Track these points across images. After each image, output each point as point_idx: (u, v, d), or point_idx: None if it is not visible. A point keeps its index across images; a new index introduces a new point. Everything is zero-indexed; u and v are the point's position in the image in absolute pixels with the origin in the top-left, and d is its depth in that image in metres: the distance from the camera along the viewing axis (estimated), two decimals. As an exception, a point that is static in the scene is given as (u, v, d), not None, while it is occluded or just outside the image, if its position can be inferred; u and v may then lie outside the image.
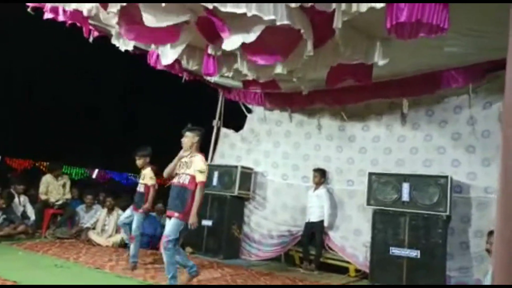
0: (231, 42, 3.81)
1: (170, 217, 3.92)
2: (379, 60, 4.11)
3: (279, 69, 4.46)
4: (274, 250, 6.39)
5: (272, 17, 3.32)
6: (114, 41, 4.87)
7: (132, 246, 4.89)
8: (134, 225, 4.91)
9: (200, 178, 3.90)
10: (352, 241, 5.84)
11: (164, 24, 3.91)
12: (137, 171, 5.50)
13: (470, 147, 5.18)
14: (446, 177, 4.90)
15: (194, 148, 4.13)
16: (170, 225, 3.84)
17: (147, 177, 5.06)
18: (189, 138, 4.12)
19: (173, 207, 3.92)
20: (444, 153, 5.39)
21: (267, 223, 6.62)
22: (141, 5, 3.70)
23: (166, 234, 3.82)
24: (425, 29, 3.25)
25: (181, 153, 4.17)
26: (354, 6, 3.08)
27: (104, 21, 4.63)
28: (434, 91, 5.27)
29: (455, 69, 4.93)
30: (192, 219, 3.82)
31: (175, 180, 4.05)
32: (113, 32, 4.77)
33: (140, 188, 5.09)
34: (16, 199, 6.70)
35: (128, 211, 5.19)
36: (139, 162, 5.15)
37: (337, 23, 3.24)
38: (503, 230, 0.58)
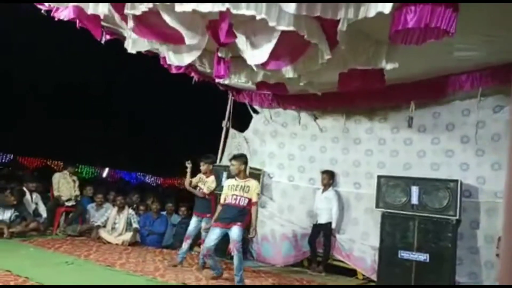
0: (258, 56, 3.93)
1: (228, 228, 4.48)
2: (387, 64, 4.12)
3: (290, 74, 4.50)
4: (273, 258, 6.29)
5: (282, 26, 3.37)
6: (126, 44, 4.95)
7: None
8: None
9: (255, 199, 4.59)
10: (360, 244, 5.84)
11: (180, 29, 4.00)
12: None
13: (479, 151, 5.15)
14: (456, 181, 4.87)
15: (243, 174, 4.69)
16: (237, 232, 4.41)
17: (207, 184, 5.28)
18: (236, 166, 4.67)
19: (235, 219, 4.48)
20: (452, 157, 5.37)
21: (272, 222, 6.60)
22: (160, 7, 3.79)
23: (236, 240, 4.38)
24: (431, 34, 3.26)
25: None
26: (362, 11, 3.09)
27: (117, 24, 4.70)
28: (443, 96, 5.27)
29: (464, 73, 4.92)
30: (253, 232, 4.57)
31: (231, 201, 4.57)
32: (125, 34, 4.84)
33: (207, 196, 5.27)
34: (28, 197, 6.81)
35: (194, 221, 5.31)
36: (202, 168, 5.37)
37: (342, 26, 3.26)
38: (509, 235, 0.58)
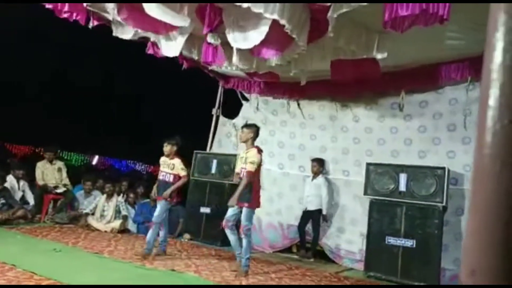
0: (248, 40, 3.89)
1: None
2: (377, 53, 4.11)
3: (274, 61, 4.46)
4: (262, 245, 6.39)
5: (261, 10, 3.34)
6: (114, 29, 4.87)
7: (149, 233, 4.87)
8: (156, 213, 4.90)
9: (250, 168, 4.34)
10: (348, 232, 5.90)
11: (164, 18, 3.93)
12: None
13: (466, 138, 5.20)
14: (443, 168, 4.93)
15: (249, 143, 4.54)
16: (245, 215, 4.35)
17: (178, 167, 5.00)
18: (244, 133, 4.56)
19: (241, 198, 4.35)
20: (439, 144, 5.42)
21: (262, 211, 6.63)
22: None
23: (243, 223, 4.35)
24: (423, 19, 3.24)
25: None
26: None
27: (104, 9, 4.62)
28: (433, 84, 5.29)
29: (454, 62, 4.94)
30: (232, 201, 4.33)
31: (241, 174, 4.47)
32: (111, 19, 4.77)
33: (167, 178, 5.00)
34: (16, 184, 6.74)
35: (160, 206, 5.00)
36: (166, 149, 5.03)
37: (332, 13, 3.23)
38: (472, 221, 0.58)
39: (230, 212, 4.46)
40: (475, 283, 0.57)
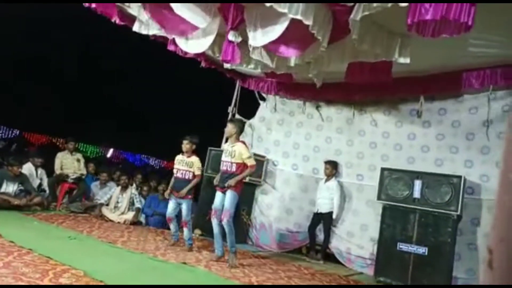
0: (260, 39, 3.92)
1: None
2: (400, 57, 4.09)
3: (294, 61, 4.48)
4: (271, 245, 6.43)
5: (286, 10, 3.36)
6: (137, 26, 4.97)
7: (185, 231, 5.14)
8: (184, 212, 5.16)
9: (251, 162, 4.52)
10: (358, 236, 5.88)
11: (190, 18, 4.02)
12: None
13: (484, 148, 5.13)
14: (460, 177, 4.86)
15: (233, 138, 4.64)
16: (229, 198, 4.48)
17: (196, 166, 5.18)
18: (229, 128, 4.65)
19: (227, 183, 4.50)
20: (456, 153, 5.35)
21: (272, 213, 6.69)
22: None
23: (226, 207, 4.45)
24: (448, 28, 3.22)
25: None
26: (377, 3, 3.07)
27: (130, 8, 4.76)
28: (454, 91, 5.23)
29: (476, 70, 4.88)
30: (232, 182, 4.44)
31: (222, 167, 4.65)
32: (137, 15, 4.87)
33: (186, 175, 5.16)
34: (34, 172, 6.90)
35: (172, 203, 5.24)
36: (186, 146, 5.18)
37: (355, 16, 3.23)
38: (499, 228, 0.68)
39: (218, 200, 4.58)
40: (503, 250, 0.62)
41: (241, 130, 4.77)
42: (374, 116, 6.14)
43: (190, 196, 5.25)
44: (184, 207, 5.18)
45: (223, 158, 4.69)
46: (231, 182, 4.45)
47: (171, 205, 5.26)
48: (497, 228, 0.66)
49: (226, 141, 5.14)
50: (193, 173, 5.18)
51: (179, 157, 5.28)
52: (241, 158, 4.51)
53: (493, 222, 0.71)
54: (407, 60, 4.03)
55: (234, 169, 4.54)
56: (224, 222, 4.43)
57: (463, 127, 5.36)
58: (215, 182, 4.73)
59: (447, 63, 4.90)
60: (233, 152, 4.56)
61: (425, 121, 5.65)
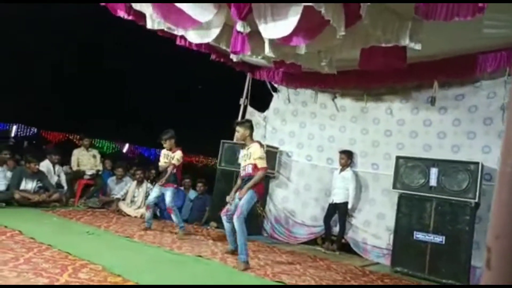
0: (279, 30, 3.88)
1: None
2: (411, 42, 3.99)
3: (302, 49, 4.42)
4: (287, 238, 6.45)
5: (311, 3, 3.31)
6: (148, 23, 4.99)
7: (173, 217, 5.41)
8: (168, 198, 5.42)
9: (261, 164, 4.35)
10: (374, 226, 5.83)
11: (192, 12, 4.00)
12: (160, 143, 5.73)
13: (502, 133, 4.98)
14: (477, 163, 4.76)
15: (248, 140, 4.52)
16: (245, 197, 4.31)
17: (174, 159, 5.46)
18: (241, 132, 4.50)
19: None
20: (474, 139, 5.23)
21: (287, 206, 6.69)
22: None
23: (242, 207, 4.27)
24: (461, 11, 3.13)
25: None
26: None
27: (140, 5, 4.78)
28: (469, 75, 5.09)
29: (491, 52, 4.73)
30: (243, 192, 4.31)
31: (241, 173, 4.55)
32: (145, 11, 4.89)
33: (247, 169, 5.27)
34: (52, 169, 7.04)
35: (156, 190, 5.59)
36: (166, 145, 5.51)
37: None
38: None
39: (235, 201, 4.50)
40: (499, 247, 0.61)
41: (251, 129, 4.62)
42: (389, 104, 6.05)
43: (174, 185, 5.52)
44: (167, 194, 5.44)
45: (241, 162, 4.56)
46: (242, 192, 4.30)
47: (152, 194, 5.68)
48: (494, 224, 0.64)
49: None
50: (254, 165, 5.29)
51: (164, 152, 5.64)
52: (253, 158, 4.37)
53: (490, 218, 0.69)
54: (417, 46, 3.93)
55: (250, 170, 4.39)
56: (235, 219, 4.22)
57: (481, 112, 5.23)
58: (229, 199, 4.55)
59: (461, 46, 4.77)
60: (249, 154, 4.44)
61: (441, 107, 5.53)
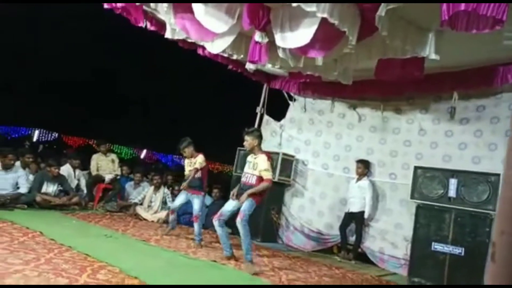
0: (296, 40, 3.92)
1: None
2: (431, 53, 3.98)
3: (320, 60, 4.45)
4: (302, 245, 6.43)
5: (314, 9, 3.35)
6: (168, 33, 5.09)
7: (196, 227, 5.28)
8: (196, 206, 5.34)
9: (267, 176, 4.31)
10: (392, 236, 5.76)
11: (210, 25, 4.09)
12: (181, 153, 5.74)
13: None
14: (498, 175, 4.66)
15: (256, 150, 4.48)
16: (246, 204, 4.30)
17: (197, 163, 5.37)
18: (249, 141, 4.45)
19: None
20: (495, 150, 5.14)
21: (303, 215, 6.68)
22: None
23: (244, 211, 4.27)
24: (480, 23, 3.12)
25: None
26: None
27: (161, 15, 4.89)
28: (489, 87, 5.02)
29: (512, 64, 4.66)
30: (243, 197, 4.26)
31: (244, 179, 4.50)
32: (166, 20, 5.00)
33: (196, 175, 5.35)
34: (72, 173, 7.20)
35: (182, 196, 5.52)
36: (186, 154, 5.45)
37: (381, 11, 3.18)
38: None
39: (229, 207, 4.44)
40: (504, 242, 0.64)
41: (260, 138, 4.57)
42: (410, 114, 6.00)
43: (202, 193, 5.41)
44: (195, 202, 5.35)
45: (245, 169, 4.54)
46: (243, 197, 4.27)
47: (178, 199, 5.61)
48: (499, 221, 0.66)
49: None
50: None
51: (187, 160, 5.56)
52: (259, 170, 4.34)
53: (496, 216, 0.72)
54: (437, 57, 3.91)
55: (254, 181, 4.36)
56: (238, 221, 4.22)
57: (502, 123, 5.14)
58: (232, 195, 4.53)
59: (481, 57, 4.72)
60: (255, 164, 4.41)
61: (462, 118, 5.47)
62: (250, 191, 4.29)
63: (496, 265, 0.64)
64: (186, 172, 5.52)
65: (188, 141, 5.45)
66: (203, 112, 19.38)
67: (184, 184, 5.37)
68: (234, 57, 5.34)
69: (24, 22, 14.74)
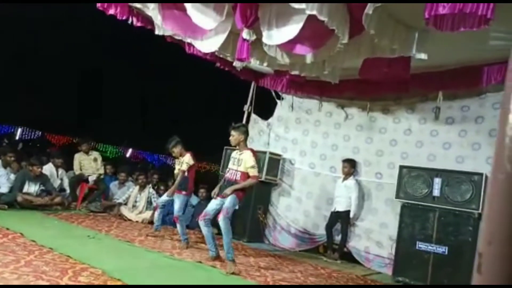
0: (277, 37, 3.90)
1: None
2: (417, 52, 4.00)
3: (309, 58, 4.44)
4: (289, 245, 6.43)
5: (310, 11, 3.34)
6: (156, 29, 5.03)
7: (178, 227, 5.21)
8: (176, 206, 5.23)
9: (254, 173, 4.31)
10: (377, 235, 5.80)
11: (199, 21, 4.04)
12: (168, 153, 5.69)
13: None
14: (481, 174, 4.74)
15: (241, 145, 4.46)
16: (228, 200, 4.27)
17: (184, 163, 5.32)
18: (235, 137, 4.43)
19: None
20: (478, 150, 5.21)
21: (290, 214, 6.67)
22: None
23: (227, 207, 4.25)
24: (467, 21, 3.14)
25: None
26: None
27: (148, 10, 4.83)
28: (474, 87, 5.08)
29: (497, 64, 4.72)
30: (227, 191, 4.25)
31: (228, 175, 4.49)
32: (152, 16, 4.93)
33: (185, 174, 5.32)
34: (55, 172, 7.06)
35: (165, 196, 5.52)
36: (175, 153, 5.42)
37: (369, 9, 3.18)
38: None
39: (213, 205, 4.41)
40: (491, 253, 0.64)
41: (246, 134, 4.58)
42: (397, 114, 6.04)
43: (183, 192, 5.29)
44: (176, 201, 5.27)
45: (230, 165, 4.52)
46: (227, 191, 4.25)
47: (164, 196, 5.65)
48: (486, 230, 0.65)
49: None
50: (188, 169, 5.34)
51: (176, 160, 5.56)
52: (245, 167, 4.33)
53: (482, 224, 0.71)
54: (423, 56, 3.94)
55: (238, 177, 4.36)
56: (220, 219, 4.19)
57: (487, 123, 5.21)
58: (213, 194, 4.56)
59: (467, 57, 4.77)
60: (240, 161, 4.39)
61: (448, 117, 5.52)
62: (235, 186, 4.27)
63: (483, 277, 0.62)
64: (176, 171, 5.52)
65: (176, 140, 5.40)
66: (191, 111, 19.26)
67: (171, 190, 5.39)
68: (222, 55, 5.30)
69: (10, 21, 14.43)
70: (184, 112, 19.23)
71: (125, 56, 16.75)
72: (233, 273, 4.01)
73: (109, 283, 3.07)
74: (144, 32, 5.44)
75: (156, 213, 5.65)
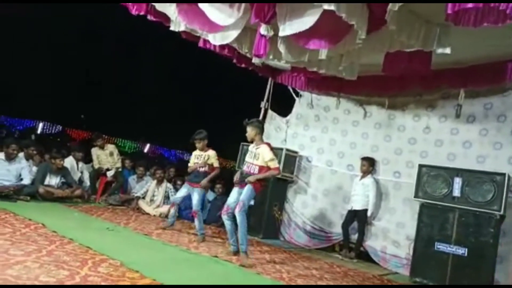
0: (289, 28, 3.87)
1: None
2: (438, 47, 3.92)
3: (324, 54, 4.40)
4: (304, 243, 6.41)
5: (328, 6, 3.30)
6: (172, 25, 5.07)
7: (196, 222, 5.26)
8: (194, 201, 5.27)
9: (275, 165, 4.37)
10: (394, 235, 5.72)
11: (214, 17, 4.05)
12: (185, 148, 5.73)
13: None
14: (503, 174, 4.62)
15: (257, 140, 4.50)
16: (245, 191, 4.36)
17: (212, 158, 5.33)
18: (249, 132, 4.52)
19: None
20: (500, 149, 5.08)
21: (305, 211, 6.64)
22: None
23: (242, 199, 4.32)
24: (491, 17, 3.06)
25: None
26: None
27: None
28: (498, 83, 4.95)
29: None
30: (250, 178, 4.32)
31: (245, 168, 4.52)
32: (169, 13, 4.97)
33: (202, 169, 5.34)
34: (75, 165, 7.20)
35: (184, 190, 5.52)
36: (199, 145, 5.41)
37: (393, 6, 3.13)
38: None
39: (233, 198, 4.45)
40: None
41: (262, 129, 4.64)
42: (416, 112, 5.93)
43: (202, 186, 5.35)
44: (195, 197, 5.29)
45: (247, 158, 4.56)
46: (251, 178, 4.32)
47: (180, 192, 5.61)
48: None
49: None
50: (211, 165, 5.34)
51: (195, 153, 5.50)
52: (263, 161, 4.36)
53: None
54: (447, 50, 3.85)
55: (256, 171, 4.40)
56: (236, 212, 4.27)
57: (509, 122, 5.08)
58: (235, 179, 4.63)
59: (490, 53, 4.64)
60: (257, 155, 4.43)
61: (469, 116, 5.40)
62: (257, 176, 4.33)
63: None
64: (191, 164, 5.51)
65: (205, 134, 5.43)
66: (205, 107, 19.34)
67: (205, 181, 5.34)
68: (238, 50, 5.30)
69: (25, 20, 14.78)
70: (202, 109, 19.33)
71: (151, 56, 16.97)
72: (243, 266, 4.07)
73: (127, 274, 3.12)
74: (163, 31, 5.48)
75: (172, 210, 5.66)
